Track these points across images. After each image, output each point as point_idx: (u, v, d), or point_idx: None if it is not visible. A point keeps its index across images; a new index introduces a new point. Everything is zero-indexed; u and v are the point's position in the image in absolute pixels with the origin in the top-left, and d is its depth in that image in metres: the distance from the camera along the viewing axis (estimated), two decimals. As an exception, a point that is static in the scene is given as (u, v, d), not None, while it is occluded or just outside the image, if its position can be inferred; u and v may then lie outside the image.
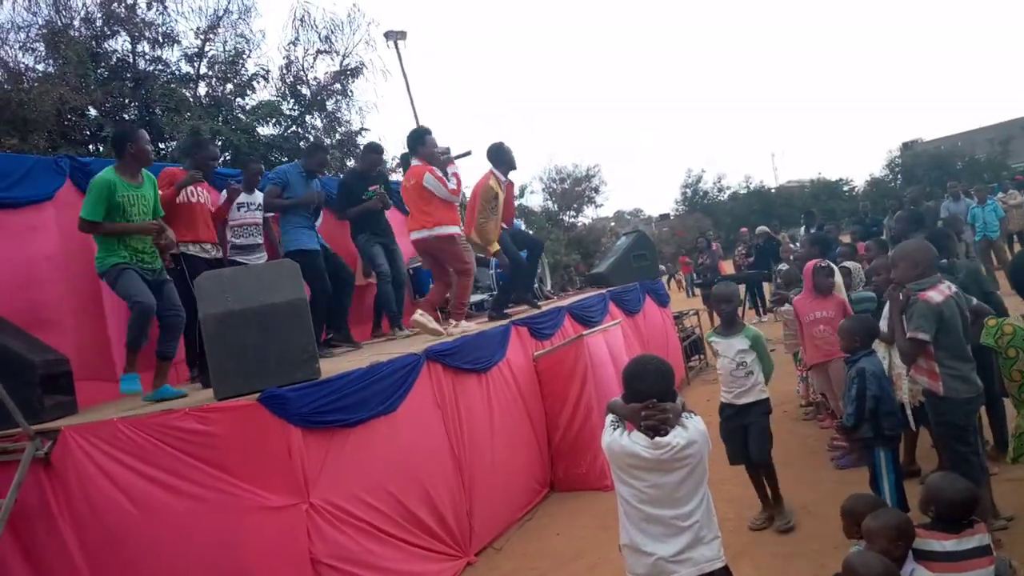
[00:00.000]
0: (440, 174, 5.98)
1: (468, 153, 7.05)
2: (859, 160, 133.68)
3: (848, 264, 6.24)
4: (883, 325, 4.41)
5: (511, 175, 7.28)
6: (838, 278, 5.79)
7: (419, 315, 5.90)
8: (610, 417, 2.63)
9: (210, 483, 3.78)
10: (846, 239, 12.97)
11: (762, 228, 15.58)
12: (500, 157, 7.05)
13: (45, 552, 4.16)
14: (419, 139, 6.20)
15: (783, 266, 9.13)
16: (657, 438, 2.46)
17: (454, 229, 6.11)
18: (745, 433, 4.64)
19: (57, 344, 5.00)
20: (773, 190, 56.02)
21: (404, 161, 8.76)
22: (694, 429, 2.52)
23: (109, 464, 3.98)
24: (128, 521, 3.93)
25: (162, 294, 4.83)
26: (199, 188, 5.63)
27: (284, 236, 6.36)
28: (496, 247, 6.94)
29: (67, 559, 4.07)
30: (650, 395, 2.51)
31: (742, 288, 13.68)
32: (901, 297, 3.85)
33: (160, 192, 5.19)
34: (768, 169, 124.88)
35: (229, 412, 3.80)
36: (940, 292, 3.76)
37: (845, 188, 52.82)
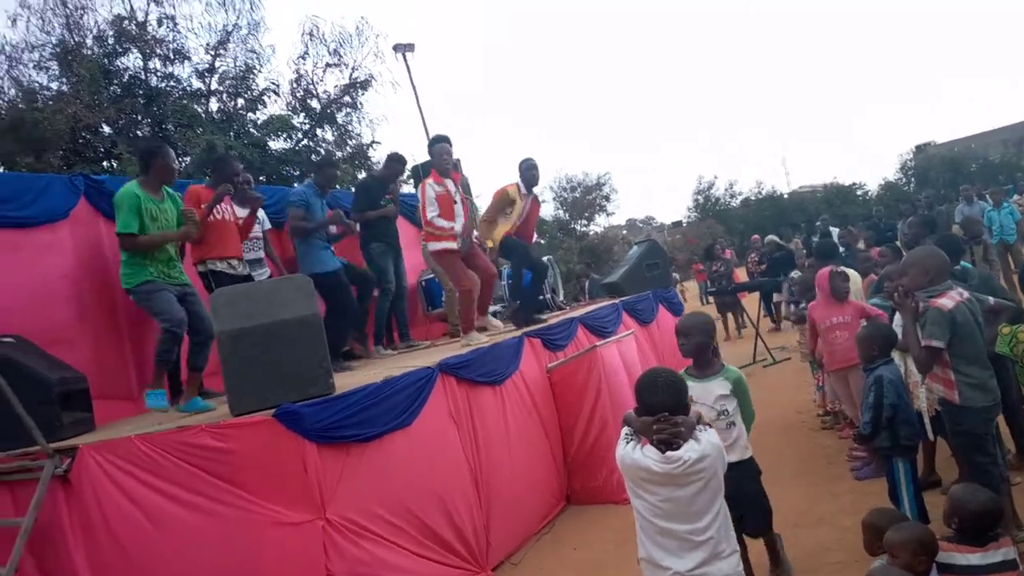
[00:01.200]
0: (431, 183, 6.24)
1: (456, 162, 7.28)
2: (872, 164, 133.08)
3: (846, 270, 6.20)
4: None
5: (536, 192, 7.40)
6: (855, 282, 5.76)
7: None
8: (624, 430, 2.63)
9: (227, 499, 3.79)
10: (861, 244, 12.90)
11: (771, 237, 15.51)
12: (523, 172, 7.16)
13: (61, 571, 4.17)
14: (429, 149, 6.49)
15: (795, 273, 9.09)
16: (669, 452, 2.44)
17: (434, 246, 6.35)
18: (734, 500, 3.57)
19: (74, 362, 5.02)
20: (786, 196, 55.73)
21: (415, 174, 8.83)
22: (707, 443, 2.50)
23: (126, 481, 4.00)
24: (145, 538, 3.94)
25: (190, 307, 4.88)
26: (224, 203, 5.67)
27: (305, 257, 6.37)
28: (491, 244, 7.10)
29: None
30: (662, 408, 2.50)
31: (755, 297, 13.64)
32: (912, 305, 3.80)
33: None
34: (780, 175, 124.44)
35: (245, 428, 3.81)
36: (951, 298, 3.72)
37: (859, 192, 52.46)
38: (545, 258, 9.43)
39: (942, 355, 3.68)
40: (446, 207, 6.24)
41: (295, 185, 13.15)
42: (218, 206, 5.50)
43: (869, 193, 52.33)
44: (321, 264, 6.26)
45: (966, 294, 3.83)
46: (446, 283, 7.54)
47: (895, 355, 4.47)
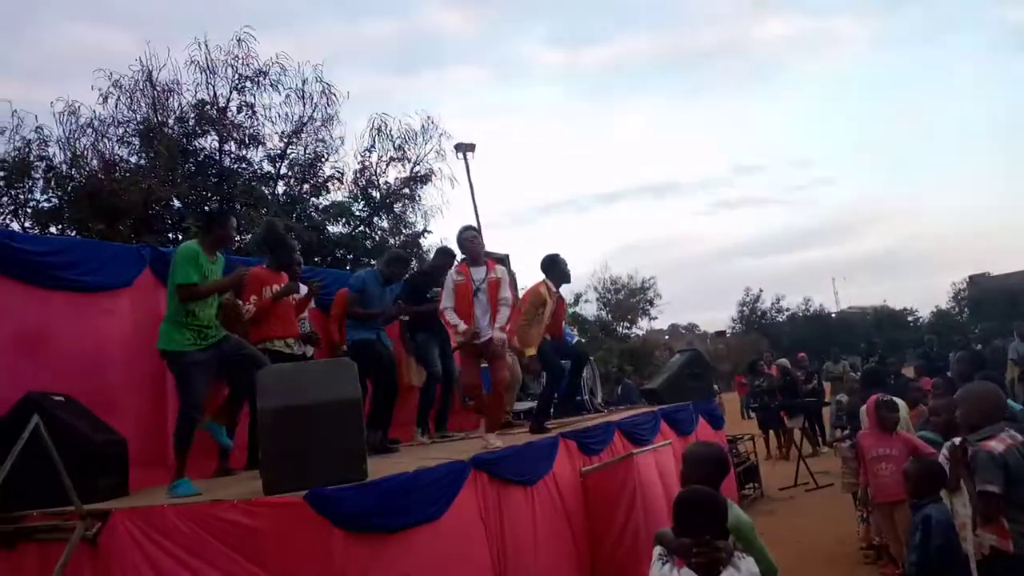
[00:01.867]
0: (454, 274, 6.03)
1: (506, 255, 7.29)
2: (924, 291, 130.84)
3: (894, 399, 6.04)
4: None
5: (564, 288, 7.41)
6: (903, 413, 5.60)
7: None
8: (658, 549, 2.54)
9: (249, 579, 3.74)
10: (909, 372, 12.58)
11: (782, 361, 15.19)
12: (553, 269, 7.19)
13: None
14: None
15: (843, 396, 8.88)
16: None
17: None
18: None
19: (117, 425, 5.13)
20: (833, 315, 55.01)
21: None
22: (747, 572, 2.42)
23: (152, 550, 3.99)
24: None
25: (238, 345, 5.03)
26: (281, 282, 5.86)
27: (350, 331, 6.54)
28: (532, 351, 6.97)
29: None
30: (703, 531, 2.43)
31: (798, 420, 13.29)
32: (959, 448, 3.66)
33: (255, 297, 5.61)
34: (829, 293, 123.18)
35: (275, 508, 3.79)
36: (1002, 441, 3.59)
37: (909, 318, 51.60)
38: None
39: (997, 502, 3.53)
40: (464, 298, 5.89)
41: (347, 268, 13.54)
42: (275, 286, 5.71)
43: (920, 320, 51.38)
44: (361, 335, 6.39)
45: (1020, 437, 3.70)
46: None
47: (942, 494, 4.30)
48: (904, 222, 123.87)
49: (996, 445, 3.58)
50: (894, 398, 5.61)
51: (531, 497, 5.35)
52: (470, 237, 6.20)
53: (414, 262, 14.62)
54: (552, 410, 7.37)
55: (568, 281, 7.29)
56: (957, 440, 4.62)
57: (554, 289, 7.13)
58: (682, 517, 2.52)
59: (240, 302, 5.70)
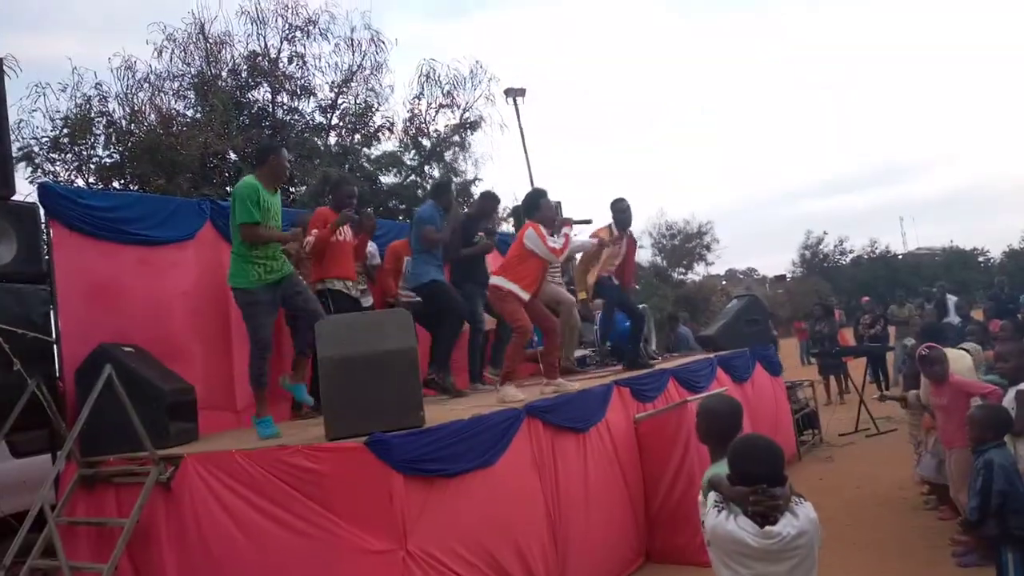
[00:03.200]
0: (544, 231, 5.89)
1: (589, 221, 7.20)
2: (997, 230, 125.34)
3: (967, 346, 5.84)
4: None
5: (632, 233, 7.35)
6: (964, 361, 5.44)
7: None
8: (713, 496, 2.50)
9: (314, 520, 3.91)
10: (979, 315, 12.18)
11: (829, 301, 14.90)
12: (615, 213, 7.21)
13: (152, 571, 4.41)
14: (534, 204, 6.17)
15: (909, 340, 8.65)
16: (767, 527, 2.34)
17: (499, 281, 5.85)
18: None
19: (185, 374, 5.35)
20: (900, 256, 53.26)
21: (515, 214, 8.95)
22: (805, 517, 2.40)
23: (223, 492, 4.20)
24: (234, 548, 4.12)
25: (298, 290, 5.10)
26: (343, 227, 6.02)
27: (414, 270, 6.65)
28: (583, 295, 7.04)
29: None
30: (761, 479, 2.40)
31: (862, 360, 13.02)
32: None
33: (315, 230, 5.72)
34: (896, 234, 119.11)
35: (337, 453, 3.93)
36: None
37: (980, 259, 49.66)
38: (640, 306, 9.37)
39: None
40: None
41: (400, 219, 13.63)
42: (339, 229, 5.82)
43: (992, 260, 49.41)
44: (427, 275, 6.45)
45: None
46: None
47: (1008, 440, 4.19)
48: (978, 159, 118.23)
49: None
50: (938, 349, 5.37)
51: (583, 443, 5.40)
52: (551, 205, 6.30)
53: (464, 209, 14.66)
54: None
55: (627, 225, 7.21)
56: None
57: (615, 231, 7.08)
58: (740, 466, 2.48)
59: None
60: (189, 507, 4.32)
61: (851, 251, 52.29)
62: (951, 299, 13.59)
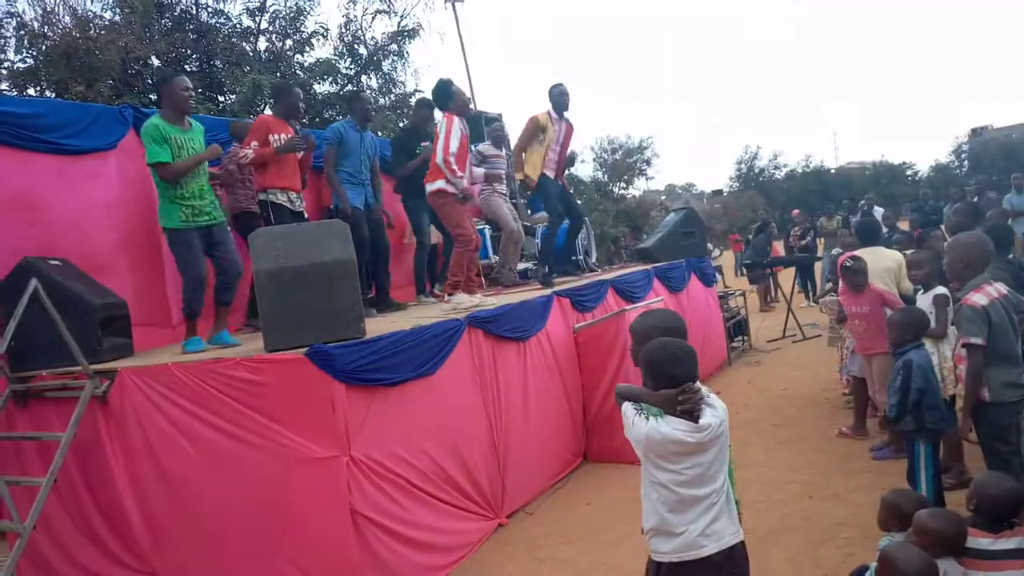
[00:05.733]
0: (460, 123, 5.86)
1: (498, 116, 7.10)
2: (924, 144, 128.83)
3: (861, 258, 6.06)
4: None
5: (568, 118, 7.28)
6: (895, 262, 5.69)
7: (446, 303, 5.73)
8: (633, 405, 2.56)
9: (258, 430, 3.95)
10: (905, 226, 12.64)
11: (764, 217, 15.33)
12: (553, 97, 7.17)
13: (104, 484, 4.42)
14: (447, 94, 6.03)
15: (836, 250, 8.96)
16: (700, 422, 2.45)
17: (439, 184, 5.82)
18: None
19: (116, 288, 5.19)
20: (832, 171, 54.50)
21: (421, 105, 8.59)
22: (719, 406, 2.53)
23: (164, 404, 4.21)
24: (182, 457, 4.17)
25: (218, 247, 4.95)
26: (285, 135, 5.66)
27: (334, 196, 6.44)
28: (520, 175, 7.14)
29: (119, 491, 4.34)
30: (686, 379, 2.49)
31: (791, 270, 13.49)
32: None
33: (257, 145, 5.45)
34: (829, 149, 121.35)
35: (278, 364, 3.94)
36: (986, 294, 3.66)
37: (908, 173, 51.24)
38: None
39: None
40: (462, 152, 5.96)
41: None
42: (280, 137, 5.56)
43: (919, 174, 51.05)
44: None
45: (1004, 290, 3.76)
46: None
47: (928, 342, 4.43)
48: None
49: (980, 299, 3.65)
50: (858, 258, 5.57)
51: (524, 352, 5.52)
52: (461, 94, 6.17)
53: (403, 122, 14.31)
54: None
55: (563, 109, 7.16)
56: (940, 289, 4.74)
57: (554, 115, 7.05)
58: (663, 370, 2.54)
59: (239, 147, 5.59)
60: (133, 421, 4.31)
61: (785, 165, 53.26)
62: (878, 211, 14.04)
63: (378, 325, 4.91)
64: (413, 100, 15.77)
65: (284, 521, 3.93)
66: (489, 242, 8.71)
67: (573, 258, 8.56)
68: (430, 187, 5.93)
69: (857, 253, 5.71)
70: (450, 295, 5.75)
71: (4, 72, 12.53)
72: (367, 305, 6.11)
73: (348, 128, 6.40)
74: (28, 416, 4.71)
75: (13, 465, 4.65)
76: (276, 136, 5.58)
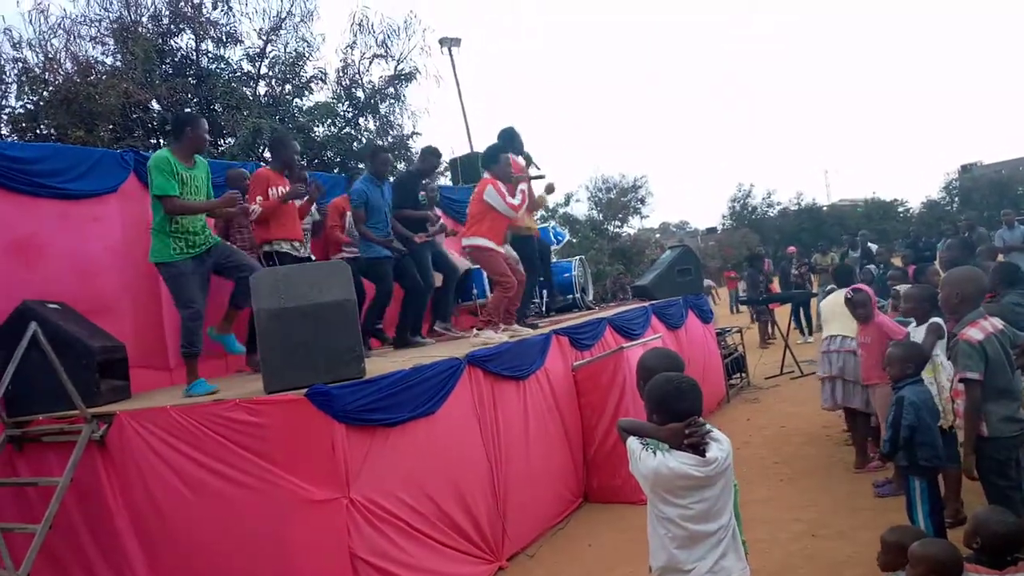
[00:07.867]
0: (503, 189, 6.03)
1: (542, 176, 7.16)
2: (916, 181, 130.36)
3: (900, 288, 6.15)
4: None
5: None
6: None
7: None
8: (639, 441, 2.56)
9: (257, 472, 3.92)
10: (897, 261, 12.73)
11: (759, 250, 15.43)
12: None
13: (104, 528, 4.37)
14: (493, 159, 6.23)
15: (831, 287, 9.00)
16: (707, 456, 2.46)
17: (480, 241, 6.06)
18: None
19: (114, 331, 5.21)
20: (825, 208, 54.89)
21: (452, 167, 8.89)
22: (724, 440, 2.54)
23: (162, 448, 4.18)
24: (182, 502, 4.12)
25: (230, 255, 5.06)
26: (284, 186, 5.75)
27: (363, 245, 6.64)
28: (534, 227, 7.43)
29: (119, 535, 4.30)
30: (690, 413, 2.51)
31: (788, 307, 13.55)
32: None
33: (259, 197, 5.55)
34: (821, 186, 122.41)
35: (277, 405, 3.93)
36: (982, 329, 3.69)
37: (900, 209, 51.61)
38: (577, 258, 9.50)
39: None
40: (522, 200, 6.29)
41: (336, 171, 13.37)
42: (279, 190, 5.64)
43: (911, 211, 51.46)
44: (372, 251, 6.55)
45: (1000, 325, 3.79)
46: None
47: (926, 372, 4.44)
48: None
49: (975, 334, 3.67)
50: (863, 291, 5.63)
51: (523, 391, 5.51)
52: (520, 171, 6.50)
53: (401, 164, 14.46)
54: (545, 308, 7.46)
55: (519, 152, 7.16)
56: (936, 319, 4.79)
57: (520, 162, 7.11)
58: (669, 405, 2.55)
59: (246, 203, 5.66)
60: (132, 464, 4.28)
61: (778, 203, 53.63)
62: (872, 247, 14.17)
63: (378, 365, 4.91)
64: (411, 142, 15.98)
65: (283, 564, 3.88)
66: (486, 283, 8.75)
67: (569, 297, 8.65)
68: (469, 241, 6.15)
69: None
70: (479, 331, 6.06)
71: (5, 117, 12.67)
72: (396, 345, 6.50)
73: (369, 186, 6.56)
74: (26, 461, 4.68)
75: (13, 510, 4.60)
76: (275, 189, 5.68)
